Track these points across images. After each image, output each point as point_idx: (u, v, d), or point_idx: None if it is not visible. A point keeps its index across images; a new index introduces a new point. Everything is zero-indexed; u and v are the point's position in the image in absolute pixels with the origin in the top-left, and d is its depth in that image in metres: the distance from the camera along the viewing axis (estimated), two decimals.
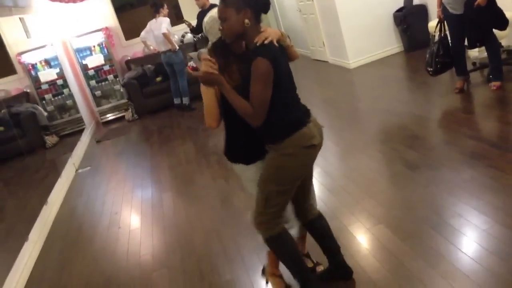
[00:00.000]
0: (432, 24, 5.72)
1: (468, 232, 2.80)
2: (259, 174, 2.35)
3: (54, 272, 3.84)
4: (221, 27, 2.17)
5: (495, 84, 4.79)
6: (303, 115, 2.30)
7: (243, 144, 2.40)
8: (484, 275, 2.41)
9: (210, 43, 2.35)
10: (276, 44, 2.19)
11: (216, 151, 5.66)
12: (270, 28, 2.27)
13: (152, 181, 5.38)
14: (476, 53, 5.55)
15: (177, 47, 7.92)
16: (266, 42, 2.12)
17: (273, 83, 2.12)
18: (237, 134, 2.38)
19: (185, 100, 8.09)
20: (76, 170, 6.43)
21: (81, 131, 8.28)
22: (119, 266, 3.63)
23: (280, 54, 2.19)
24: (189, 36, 9.22)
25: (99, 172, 6.33)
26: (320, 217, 2.60)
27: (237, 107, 2.13)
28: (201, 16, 7.58)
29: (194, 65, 8.75)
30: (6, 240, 4.40)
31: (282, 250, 2.44)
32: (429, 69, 5.06)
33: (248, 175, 2.44)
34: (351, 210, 3.39)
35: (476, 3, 4.43)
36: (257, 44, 2.13)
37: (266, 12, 2.20)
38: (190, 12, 9.96)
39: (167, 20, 7.78)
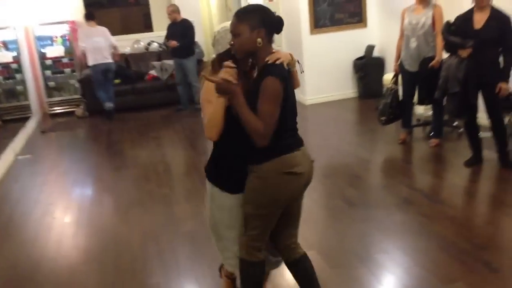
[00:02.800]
0: (387, 76, 6.11)
1: (391, 268, 3.00)
2: (234, 206, 2.28)
3: None
4: (232, 42, 2.11)
5: (434, 141, 5.17)
6: (294, 142, 2.22)
7: (231, 168, 2.28)
8: None
9: (215, 52, 2.29)
10: (286, 67, 2.14)
11: (164, 160, 5.70)
12: (282, 51, 2.26)
13: (95, 179, 5.33)
14: (422, 110, 5.96)
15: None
16: (277, 62, 2.08)
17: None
18: (228, 154, 2.27)
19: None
20: (16, 156, 6.25)
21: (26, 119, 8.07)
22: (49, 254, 3.58)
23: (288, 77, 2.15)
24: (155, 45, 9.29)
25: (40, 162, 6.19)
26: (304, 258, 2.42)
27: (248, 122, 2.02)
28: (172, 28, 7.70)
29: (155, 75, 8.80)
30: None
31: (248, 278, 2.35)
32: (382, 118, 5.36)
33: (223, 202, 2.32)
34: None
35: (430, 64, 4.81)
36: (268, 63, 2.08)
37: (278, 32, 2.16)
38: (160, 22, 10.04)
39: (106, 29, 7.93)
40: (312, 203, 4.08)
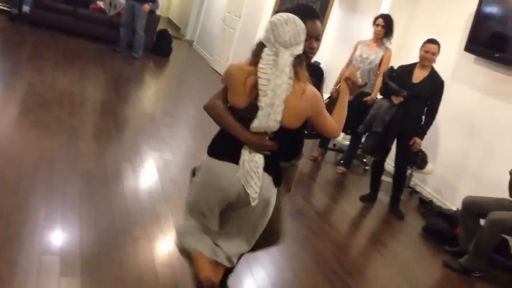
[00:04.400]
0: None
1: (266, 266, 3.16)
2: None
3: None
4: (315, 46, 2.17)
5: (341, 168, 5.47)
6: None
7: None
8: None
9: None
10: None
11: (83, 93, 5.49)
12: None
13: (6, 87, 5.01)
14: (340, 138, 6.27)
15: None
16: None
17: None
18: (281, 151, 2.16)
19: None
20: None
21: None
22: None
23: None
24: None
25: None
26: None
27: (344, 118, 2.25)
28: None
29: (102, 7, 8.43)
30: None
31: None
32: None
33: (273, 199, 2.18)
34: None
35: (364, 99, 5.09)
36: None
37: None
38: None
39: None
40: None
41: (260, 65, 1.97)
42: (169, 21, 14.06)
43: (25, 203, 2.96)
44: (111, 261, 2.66)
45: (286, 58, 1.96)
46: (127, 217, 3.16)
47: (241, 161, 2.03)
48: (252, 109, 1.98)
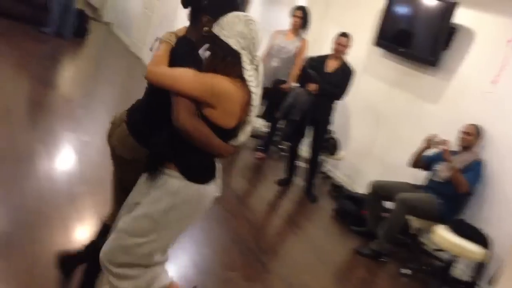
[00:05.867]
0: None
1: (185, 243, 3.22)
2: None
3: None
4: None
5: (260, 154, 5.64)
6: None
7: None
8: (179, 277, 2.83)
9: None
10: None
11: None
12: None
13: None
14: (258, 124, 6.43)
15: None
16: None
17: None
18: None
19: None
20: None
21: None
22: None
23: None
24: None
25: None
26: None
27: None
28: None
29: None
30: None
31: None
32: None
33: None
34: None
35: (281, 86, 5.27)
36: None
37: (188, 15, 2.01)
38: None
39: None
40: None
41: (247, 77, 1.84)
42: (86, 1, 13.47)
43: None
44: (24, 239, 2.60)
45: (261, 63, 1.92)
46: (41, 198, 3.08)
47: (218, 173, 1.98)
48: (239, 126, 1.90)
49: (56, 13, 7.51)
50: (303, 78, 4.85)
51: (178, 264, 2.97)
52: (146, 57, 8.38)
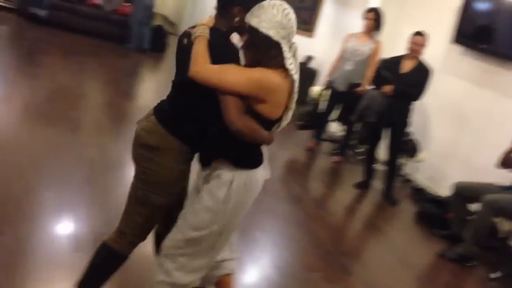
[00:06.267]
0: (316, 88, 6.50)
1: (265, 245, 3.31)
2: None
3: None
4: None
5: (336, 158, 5.62)
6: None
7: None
8: (261, 278, 2.91)
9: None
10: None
11: (83, 86, 5.60)
12: (206, 19, 1.97)
13: (10, 80, 5.12)
14: (334, 129, 6.43)
15: None
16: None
17: None
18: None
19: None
20: None
21: None
22: None
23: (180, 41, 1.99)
24: None
25: None
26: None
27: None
28: None
29: (98, 2, 8.49)
30: None
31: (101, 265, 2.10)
32: (297, 122, 5.74)
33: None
34: None
35: (355, 89, 5.24)
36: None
37: (217, 9, 1.99)
38: None
39: None
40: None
41: (288, 67, 1.85)
42: (164, 17, 14.14)
43: (34, 187, 3.09)
44: None
45: (298, 49, 1.92)
46: None
47: (265, 158, 2.04)
48: (283, 113, 1.95)
49: (136, 30, 7.97)
50: (378, 80, 4.80)
51: (260, 266, 3.06)
52: None
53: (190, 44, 1.85)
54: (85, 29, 8.25)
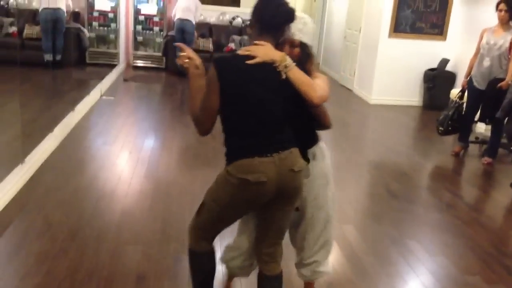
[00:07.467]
0: (455, 91, 6.30)
1: (419, 253, 3.34)
2: None
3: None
4: None
5: (487, 159, 5.36)
6: (256, 146, 1.97)
7: None
8: (417, 284, 2.97)
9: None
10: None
11: None
12: (268, 46, 1.99)
13: (166, 129, 5.90)
14: (482, 130, 6.13)
15: None
16: (240, 53, 1.99)
17: (219, 96, 2.00)
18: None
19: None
20: (101, 95, 6.94)
21: (111, 65, 8.81)
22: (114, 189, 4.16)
23: (244, 71, 1.96)
24: (239, 20, 9.82)
25: (121, 105, 6.86)
26: (274, 278, 2.20)
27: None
28: None
29: (233, 47, 9.27)
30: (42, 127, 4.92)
31: (194, 267, 2.26)
32: (440, 128, 5.61)
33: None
34: None
35: (499, 84, 5.00)
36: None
37: (269, 29, 2.03)
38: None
39: None
40: (356, 185, 4.47)
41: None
42: None
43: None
44: None
45: None
46: None
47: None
48: None
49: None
50: None
51: (414, 274, 3.11)
52: (356, 87, 8.77)
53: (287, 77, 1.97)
54: None
